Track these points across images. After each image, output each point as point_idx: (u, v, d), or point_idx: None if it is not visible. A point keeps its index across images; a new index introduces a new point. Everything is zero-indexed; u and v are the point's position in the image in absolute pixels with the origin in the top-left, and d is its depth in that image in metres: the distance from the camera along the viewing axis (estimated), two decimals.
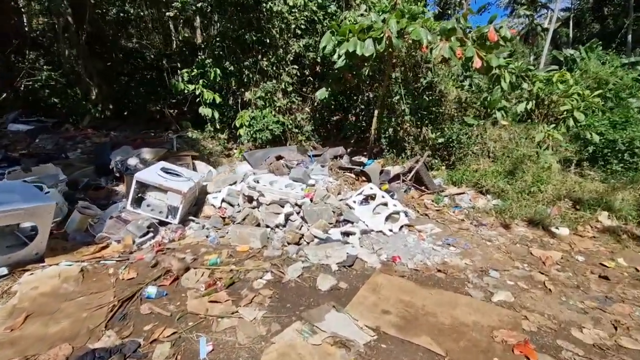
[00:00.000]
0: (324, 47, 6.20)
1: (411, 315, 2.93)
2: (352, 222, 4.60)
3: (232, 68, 8.09)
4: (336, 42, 6.11)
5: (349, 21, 6.59)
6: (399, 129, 7.84)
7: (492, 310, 3.06)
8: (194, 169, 6.27)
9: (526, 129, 7.02)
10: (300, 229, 4.36)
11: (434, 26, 5.97)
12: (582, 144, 6.81)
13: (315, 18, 8.47)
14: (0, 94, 9.34)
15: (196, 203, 5.18)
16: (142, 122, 10.28)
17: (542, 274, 3.80)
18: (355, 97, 9.18)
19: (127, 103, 11.21)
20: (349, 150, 8.13)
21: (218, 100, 7.94)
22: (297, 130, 8.73)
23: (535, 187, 5.65)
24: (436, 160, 7.24)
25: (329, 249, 3.82)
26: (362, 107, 9.11)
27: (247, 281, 3.39)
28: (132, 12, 11.54)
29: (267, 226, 4.43)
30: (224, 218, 4.79)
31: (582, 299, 3.33)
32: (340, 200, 5.14)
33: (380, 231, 4.54)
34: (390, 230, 4.56)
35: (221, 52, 8.19)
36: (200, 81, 7.97)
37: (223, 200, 5.05)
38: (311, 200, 4.77)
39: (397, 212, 4.84)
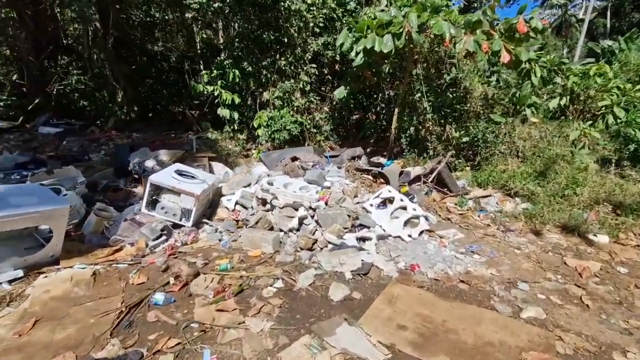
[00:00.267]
0: (341, 45, 6.02)
1: (430, 332, 2.70)
2: (369, 227, 4.39)
3: (250, 68, 8.06)
4: (354, 38, 5.90)
5: (368, 17, 6.34)
6: (420, 127, 7.52)
7: (520, 328, 2.78)
8: (211, 170, 6.26)
9: (559, 127, 6.56)
10: (313, 234, 4.20)
11: (458, 20, 5.65)
12: (623, 142, 6.28)
13: (334, 15, 8.29)
14: (34, 98, 9.77)
15: (211, 205, 5.13)
16: (165, 124, 10.48)
17: (579, 287, 3.45)
18: (375, 96, 8.91)
19: (151, 105, 11.48)
20: (368, 150, 7.89)
21: (237, 100, 7.93)
22: (315, 130, 8.59)
23: (569, 190, 5.22)
24: (460, 161, 6.88)
25: (343, 256, 3.65)
26: (383, 105, 8.84)
27: (257, 289, 3.27)
28: (157, 16, 11.79)
29: (281, 230, 4.30)
30: (237, 221, 4.71)
31: (625, 318, 2.98)
32: (357, 203, 4.93)
33: (398, 237, 4.31)
34: (409, 236, 4.32)
35: (240, 53, 8.17)
36: (219, 82, 7.98)
37: (237, 203, 4.98)
38: (326, 204, 4.60)
39: (417, 217, 4.59)
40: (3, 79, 11.03)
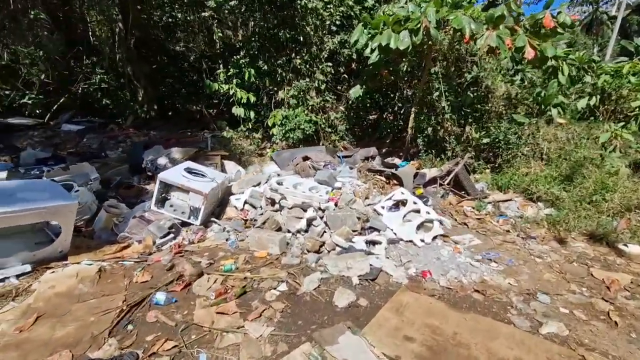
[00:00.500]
0: (356, 41, 5.85)
1: (439, 345, 2.52)
2: (379, 230, 4.22)
3: (266, 67, 8.02)
4: (369, 35, 5.73)
5: (384, 13, 6.16)
6: (439, 128, 7.26)
7: (539, 346, 2.56)
8: (223, 169, 6.23)
9: (588, 128, 6.17)
10: (321, 236, 4.07)
11: (480, 16, 5.39)
12: None
13: (352, 13, 8.14)
14: (60, 97, 10.10)
15: (220, 204, 5.09)
16: (183, 122, 10.64)
17: (606, 301, 3.17)
18: (392, 95, 8.69)
19: (170, 104, 11.67)
20: (383, 151, 7.70)
21: (252, 99, 7.92)
22: (330, 129, 8.46)
23: (598, 195, 4.87)
24: (480, 163, 6.58)
25: (350, 260, 3.50)
26: (400, 105, 8.60)
27: (260, 291, 3.17)
28: (179, 17, 11.97)
29: (289, 231, 4.19)
30: (245, 220, 4.64)
31: None
32: (368, 205, 4.77)
33: (410, 241, 4.12)
34: (422, 241, 4.12)
35: (256, 52, 8.15)
36: (234, 81, 7.98)
37: (245, 202, 4.91)
38: (336, 205, 4.46)
39: (431, 220, 4.38)
40: (33, 78, 11.46)
